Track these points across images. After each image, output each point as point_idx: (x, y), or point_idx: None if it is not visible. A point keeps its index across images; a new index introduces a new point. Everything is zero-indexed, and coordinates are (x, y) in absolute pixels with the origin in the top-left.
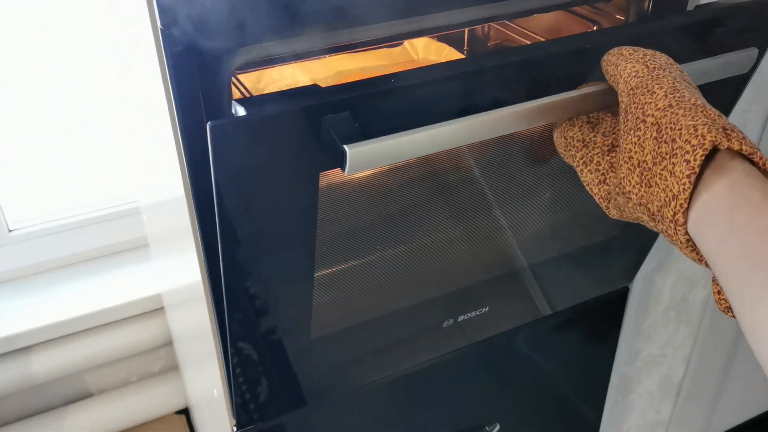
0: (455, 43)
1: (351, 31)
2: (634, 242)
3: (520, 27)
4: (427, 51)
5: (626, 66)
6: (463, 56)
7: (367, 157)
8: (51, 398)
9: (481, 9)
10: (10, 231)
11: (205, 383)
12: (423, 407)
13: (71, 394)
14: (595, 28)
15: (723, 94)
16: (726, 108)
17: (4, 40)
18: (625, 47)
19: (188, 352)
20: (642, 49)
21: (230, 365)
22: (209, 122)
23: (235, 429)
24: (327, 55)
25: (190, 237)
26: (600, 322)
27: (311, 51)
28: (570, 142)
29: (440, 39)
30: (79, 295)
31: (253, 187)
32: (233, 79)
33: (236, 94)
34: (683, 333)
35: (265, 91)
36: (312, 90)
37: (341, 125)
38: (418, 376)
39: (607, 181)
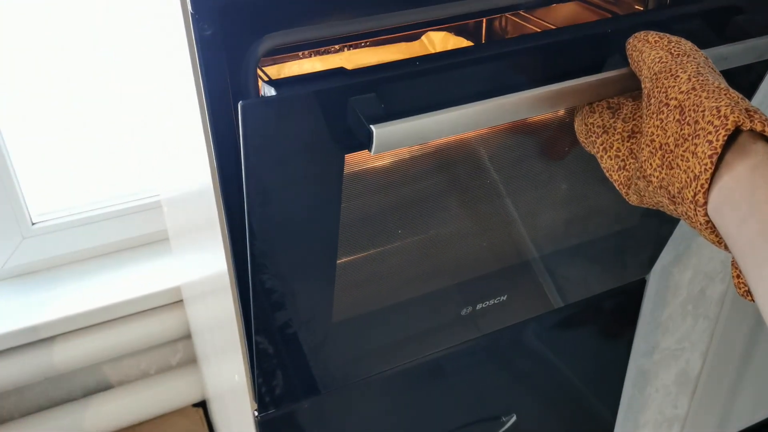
0: (473, 37)
1: (371, 18)
2: (652, 234)
3: (538, 19)
4: (444, 45)
5: (650, 53)
6: None
7: (393, 137)
8: (72, 389)
9: None
10: (33, 224)
11: (226, 372)
12: (439, 397)
13: (91, 385)
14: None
15: (744, 81)
16: (747, 94)
17: (31, 35)
18: (651, 33)
19: (209, 342)
20: (667, 35)
21: (253, 351)
22: (240, 101)
23: (256, 413)
24: (347, 49)
25: (216, 227)
26: (617, 313)
27: (333, 38)
28: (590, 129)
29: (458, 33)
30: (100, 287)
31: (280, 169)
32: (258, 70)
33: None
34: (701, 327)
35: None
36: (339, 71)
37: (368, 106)
38: (434, 366)
39: (627, 167)
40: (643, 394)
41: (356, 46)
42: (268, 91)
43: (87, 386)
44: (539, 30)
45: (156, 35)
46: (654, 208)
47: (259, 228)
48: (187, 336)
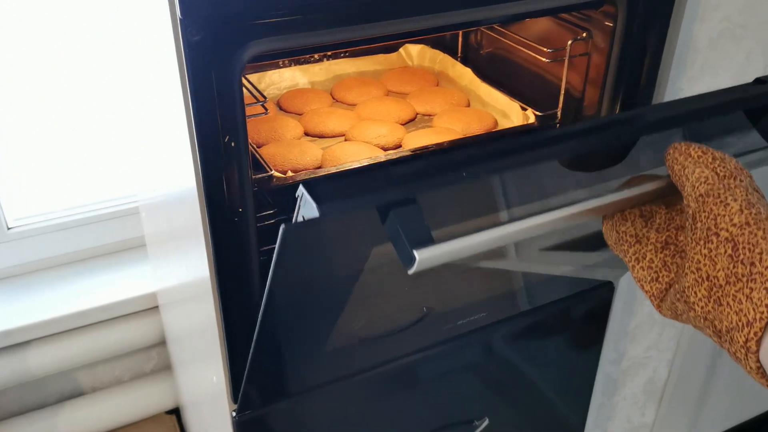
0: (449, 50)
1: (351, 29)
2: None
3: (513, 33)
4: (421, 58)
5: (694, 169)
6: (456, 62)
7: (433, 260)
8: (46, 395)
9: (469, 12)
10: (9, 228)
11: (204, 375)
12: (413, 400)
13: (65, 391)
14: (584, 34)
15: None
16: None
17: (4, 38)
18: (693, 146)
19: (186, 347)
20: (711, 150)
21: (232, 354)
22: (283, 225)
23: (234, 414)
24: (327, 59)
25: (199, 232)
26: (587, 321)
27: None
28: (622, 237)
29: (434, 46)
30: (75, 292)
31: (307, 275)
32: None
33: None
34: (668, 336)
35: (268, 90)
36: (382, 177)
37: (411, 223)
38: (408, 369)
39: (660, 279)
40: (612, 401)
41: (335, 56)
42: (308, 208)
43: (61, 392)
44: (513, 42)
45: (142, 39)
46: (694, 328)
47: (271, 312)
48: (162, 343)
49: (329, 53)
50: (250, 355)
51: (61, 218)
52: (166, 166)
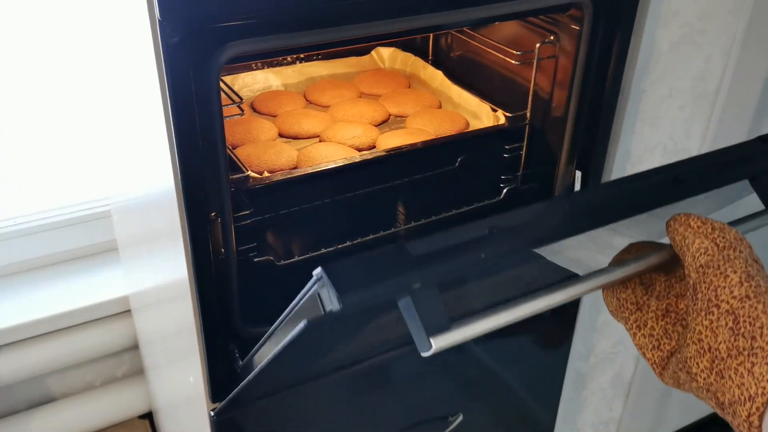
0: (421, 52)
1: (324, 31)
2: None
3: (483, 36)
4: (393, 60)
5: (694, 240)
6: (427, 65)
7: (446, 344)
8: (15, 402)
9: (438, 16)
10: None
11: (180, 377)
12: (388, 397)
13: (36, 397)
14: (552, 38)
15: None
16: None
17: None
18: (692, 217)
19: (160, 351)
20: (710, 221)
21: (211, 354)
22: (305, 320)
23: (212, 414)
24: (299, 62)
25: (178, 235)
26: (556, 317)
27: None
28: (623, 305)
29: (405, 48)
30: (45, 297)
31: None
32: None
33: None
34: None
35: (242, 92)
36: (403, 261)
37: (428, 309)
38: (383, 367)
39: (662, 346)
40: (580, 396)
41: (308, 59)
42: (329, 296)
43: (31, 398)
44: (484, 45)
45: (120, 40)
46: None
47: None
48: (134, 347)
49: (302, 56)
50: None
51: (30, 222)
52: (142, 168)
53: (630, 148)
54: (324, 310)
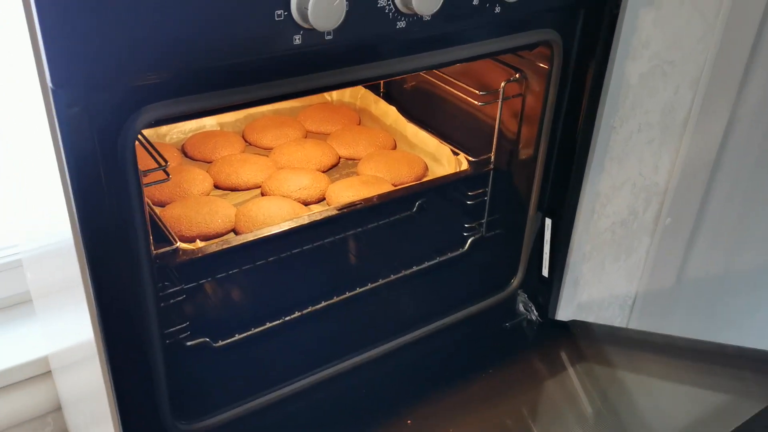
0: (371, 85)
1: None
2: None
3: (440, 73)
4: (341, 93)
5: None
6: (378, 98)
7: None
8: None
9: (386, 64)
10: None
11: None
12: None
13: None
14: (517, 75)
15: None
16: None
17: None
18: None
19: (81, 414)
20: None
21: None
22: None
23: None
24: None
25: (80, 289)
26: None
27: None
28: None
29: None
30: None
31: None
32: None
33: (140, 150)
34: None
35: (170, 134)
36: None
37: None
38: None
39: None
40: None
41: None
42: None
43: None
44: (435, 79)
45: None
46: None
47: None
48: (58, 408)
49: None
50: None
51: None
52: (44, 216)
53: (599, 188)
54: None
